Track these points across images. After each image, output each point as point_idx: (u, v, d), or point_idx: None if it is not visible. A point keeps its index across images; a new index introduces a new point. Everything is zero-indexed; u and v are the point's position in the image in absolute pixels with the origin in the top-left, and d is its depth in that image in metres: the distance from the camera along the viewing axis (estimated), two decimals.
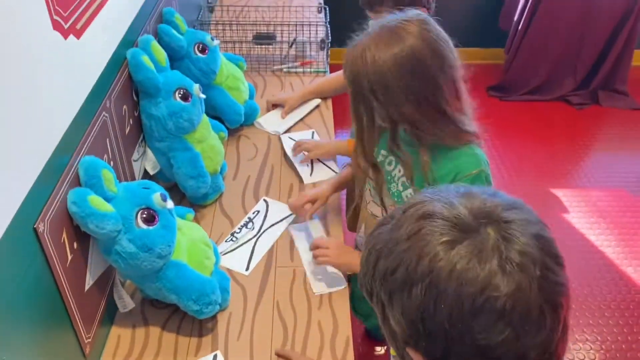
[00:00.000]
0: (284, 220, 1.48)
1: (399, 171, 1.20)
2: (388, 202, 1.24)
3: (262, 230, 1.45)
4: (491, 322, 0.54)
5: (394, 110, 1.06)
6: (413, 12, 1.09)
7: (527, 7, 3.27)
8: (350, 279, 1.37)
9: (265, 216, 1.50)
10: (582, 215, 2.75)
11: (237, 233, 1.44)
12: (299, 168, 1.65)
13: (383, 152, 1.23)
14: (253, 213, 1.50)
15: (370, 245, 0.64)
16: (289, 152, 1.68)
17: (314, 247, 1.32)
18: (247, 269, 1.35)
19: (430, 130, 1.07)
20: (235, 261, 1.37)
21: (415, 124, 1.06)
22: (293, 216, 1.48)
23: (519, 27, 3.37)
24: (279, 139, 1.76)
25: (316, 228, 1.43)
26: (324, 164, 1.68)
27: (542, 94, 3.56)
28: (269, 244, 1.42)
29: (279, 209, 1.51)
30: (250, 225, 1.47)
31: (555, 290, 0.56)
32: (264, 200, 1.54)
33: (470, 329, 0.54)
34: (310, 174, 1.65)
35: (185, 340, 1.18)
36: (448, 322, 0.55)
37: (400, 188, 1.20)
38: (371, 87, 1.04)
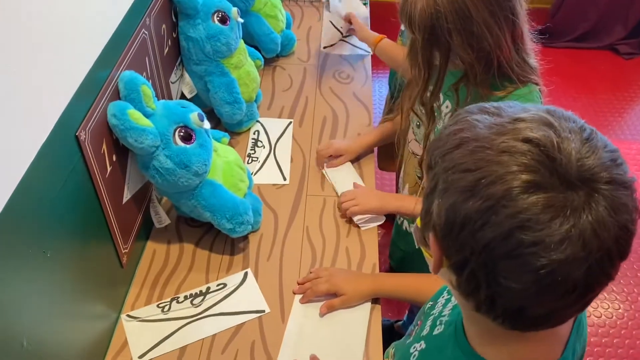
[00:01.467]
0: (286, 131, 1.54)
1: (447, 107, 1.17)
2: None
3: (273, 145, 1.50)
4: (519, 273, 0.51)
5: (481, 41, 0.98)
6: None
7: None
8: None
9: (267, 132, 1.55)
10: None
11: (253, 154, 1.47)
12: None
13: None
14: (254, 133, 1.54)
15: (459, 125, 0.58)
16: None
17: (340, 202, 1.32)
18: (284, 179, 1.41)
19: (509, 59, 1.01)
20: (270, 176, 1.42)
21: (500, 51, 0.99)
22: (291, 123, 1.54)
23: None
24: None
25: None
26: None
27: (589, 41, 3.41)
28: (288, 155, 1.48)
29: (274, 123, 1.57)
30: (259, 143, 1.50)
31: (599, 279, 0.53)
32: (257, 121, 1.57)
33: (495, 266, 0.53)
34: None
35: (217, 257, 1.22)
36: (483, 247, 0.52)
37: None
38: (453, 24, 0.96)
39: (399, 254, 1.54)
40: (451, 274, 0.58)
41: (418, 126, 1.28)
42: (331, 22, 1.74)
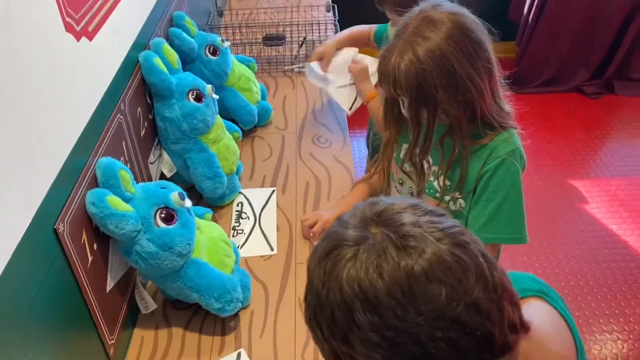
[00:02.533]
0: (270, 200, 1.54)
1: (428, 161, 1.19)
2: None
3: (257, 215, 1.49)
4: (426, 291, 0.55)
5: (466, 94, 1.01)
6: (420, 5, 1.07)
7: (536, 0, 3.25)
8: None
9: (250, 203, 1.53)
10: (602, 205, 2.70)
11: (237, 226, 1.45)
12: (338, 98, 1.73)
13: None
14: (237, 205, 1.53)
15: (308, 321, 0.65)
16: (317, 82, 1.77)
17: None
18: (272, 249, 1.39)
19: (491, 108, 1.05)
20: (256, 247, 1.39)
21: (484, 102, 1.03)
22: (274, 191, 1.56)
23: (530, 18, 3.34)
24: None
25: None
26: None
27: (556, 85, 3.53)
28: (274, 224, 1.46)
29: (257, 193, 1.57)
30: (243, 215, 1.49)
31: (452, 232, 0.59)
32: (240, 192, 1.57)
33: (417, 310, 0.55)
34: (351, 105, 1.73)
35: (208, 339, 1.18)
36: (398, 319, 0.55)
37: (432, 178, 1.20)
38: (438, 80, 0.99)
39: None
40: None
41: (401, 184, 1.28)
42: (338, 87, 1.75)
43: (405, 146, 1.22)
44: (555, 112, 3.38)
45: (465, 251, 0.58)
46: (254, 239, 1.42)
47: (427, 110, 1.04)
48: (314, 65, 1.78)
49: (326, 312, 0.60)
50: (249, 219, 1.48)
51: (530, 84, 3.52)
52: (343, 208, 1.43)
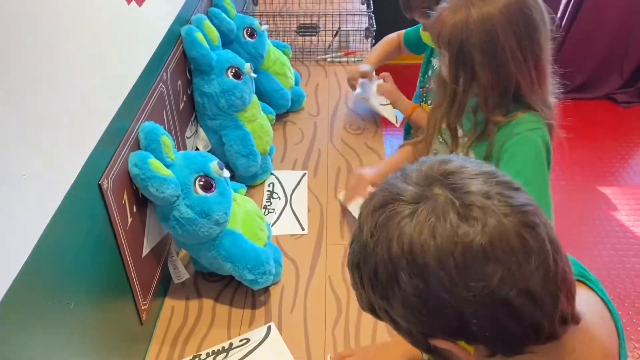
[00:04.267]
0: (301, 182, 1.53)
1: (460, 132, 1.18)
2: None
3: (288, 196, 1.48)
4: (480, 268, 0.52)
5: (500, 68, 1.01)
6: None
7: (571, 3, 3.21)
8: None
9: (281, 184, 1.53)
10: (632, 213, 2.66)
11: (269, 205, 1.45)
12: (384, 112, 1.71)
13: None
14: (269, 185, 1.52)
15: (350, 266, 0.63)
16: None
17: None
18: (302, 229, 1.38)
19: (529, 91, 1.04)
20: (288, 226, 1.39)
21: (521, 77, 1.02)
22: (306, 174, 1.54)
23: (563, 23, 3.30)
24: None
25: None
26: None
27: (586, 92, 3.47)
28: (305, 206, 1.46)
29: (289, 175, 1.56)
30: (274, 195, 1.49)
31: (523, 211, 0.54)
32: (271, 173, 1.56)
33: (466, 285, 0.52)
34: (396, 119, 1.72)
35: (238, 312, 1.18)
36: (445, 290, 0.53)
37: (459, 149, 1.19)
38: (480, 46, 1.01)
39: None
40: (474, 347, 0.58)
41: (435, 153, 1.28)
42: (382, 105, 1.75)
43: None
44: (585, 119, 3.33)
45: (532, 233, 0.53)
46: (285, 218, 1.42)
47: (464, 71, 1.05)
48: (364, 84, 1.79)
49: (370, 265, 0.58)
50: (279, 199, 1.48)
51: (561, 90, 3.47)
52: (387, 169, 1.40)
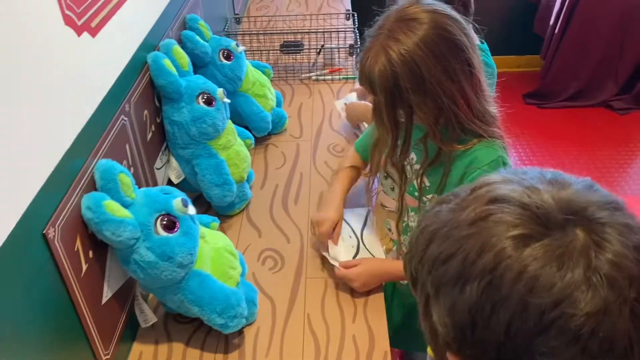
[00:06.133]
0: (368, 219, 1.40)
1: (412, 159, 1.16)
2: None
3: (359, 235, 1.35)
4: (561, 345, 0.43)
5: (435, 99, 0.98)
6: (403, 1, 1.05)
7: (564, 10, 3.15)
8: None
9: (349, 224, 1.37)
10: None
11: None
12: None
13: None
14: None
15: (423, 223, 0.54)
16: None
17: (339, 275, 1.22)
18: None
19: (468, 113, 1.00)
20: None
21: (456, 106, 0.99)
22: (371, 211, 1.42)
23: (555, 31, 3.25)
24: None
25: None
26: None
27: (582, 99, 3.41)
28: (378, 242, 1.35)
29: (351, 213, 1.39)
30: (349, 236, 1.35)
31: None
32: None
33: (531, 348, 0.44)
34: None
35: (210, 356, 1.10)
36: (505, 334, 0.44)
37: (413, 176, 1.16)
38: (410, 86, 0.98)
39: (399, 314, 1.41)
40: None
41: (385, 177, 1.26)
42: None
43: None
44: (582, 127, 3.26)
45: None
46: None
47: (404, 111, 1.03)
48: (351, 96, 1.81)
49: (446, 247, 0.48)
50: (350, 237, 1.34)
51: (556, 99, 3.42)
52: (340, 200, 1.34)
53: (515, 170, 0.53)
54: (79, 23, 0.93)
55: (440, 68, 0.96)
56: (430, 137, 1.05)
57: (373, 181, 1.32)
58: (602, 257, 0.43)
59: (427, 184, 1.13)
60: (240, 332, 1.14)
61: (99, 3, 1.01)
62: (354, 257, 1.28)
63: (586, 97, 3.40)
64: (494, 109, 1.07)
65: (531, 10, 3.47)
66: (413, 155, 1.15)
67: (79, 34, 0.93)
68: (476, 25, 1.24)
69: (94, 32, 0.99)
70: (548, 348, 0.43)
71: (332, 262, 1.24)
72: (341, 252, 1.28)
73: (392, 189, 1.30)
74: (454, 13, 1.01)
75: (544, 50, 3.41)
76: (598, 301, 0.42)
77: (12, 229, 0.73)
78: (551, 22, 3.29)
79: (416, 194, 1.17)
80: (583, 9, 3.10)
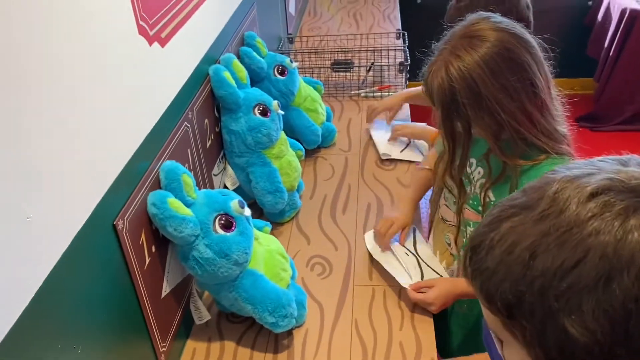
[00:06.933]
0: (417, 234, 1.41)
1: (479, 173, 1.14)
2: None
3: (414, 252, 1.36)
4: None
5: (493, 115, 0.98)
6: (473, 16, 1.05)
7: (619, 33, 3.10)
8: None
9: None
10: None
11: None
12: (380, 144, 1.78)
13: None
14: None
15: (503, 245, 0.50)
16: None
17: (414, 298, 1.21)
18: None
19: (531, 129, 0.99)
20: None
21: (517, 123, 0.98)
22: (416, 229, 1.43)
23: (610, 54, 3.19)
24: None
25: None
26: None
27: (637, 123, 3.32)
28: (433, 255, 1.35)
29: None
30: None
31: None
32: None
33: None
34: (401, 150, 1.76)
35: (260, 356, 1.14)
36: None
37: (478, 190, 1.15)
38: (466, 99, 0.98)
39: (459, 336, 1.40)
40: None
41: (449, 191, 1.25)
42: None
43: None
44: (636, 151, 3.16)
45: None
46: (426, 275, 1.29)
47: (461, 124, 1.03)
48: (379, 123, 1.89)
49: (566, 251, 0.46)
50: (408, 255, 1.35)
51: (610, 122, 3.34)
52: (412, 206, 1.39)
53: (578, 163, 0.53)
54: (151, 33, 1.01)
55: (498, 86, 0.95)
56: (492, 150, 1.04)
57: (439, 193, 1.31)
58: None
59: (492, 198, 1.11)
60: (289, 333, 1.17)
61: (169, 15, 1.09)
62: (422, 277, 1.28)
63: None
64: (563, 127, 1.05)
65: (585, 33, 3.43)
66: (480, 170, 1.14)
67: (150, 44, 1.01)
68: (544, 44, 1.22)
69: (163, 43, 1.07)
70: None
71: (399, 281, 1.25)
72: (405, 272, 1.28)
73: (454, 203, 1.27)
74: (522, 32, 1.00)
75: (598, 72, 3.35)
76: None
77: (87, 218, 0.80)
78: (606, 45, 3.24)
79: (480, 208, 1.15)
80: (639, 32, 3.04)
